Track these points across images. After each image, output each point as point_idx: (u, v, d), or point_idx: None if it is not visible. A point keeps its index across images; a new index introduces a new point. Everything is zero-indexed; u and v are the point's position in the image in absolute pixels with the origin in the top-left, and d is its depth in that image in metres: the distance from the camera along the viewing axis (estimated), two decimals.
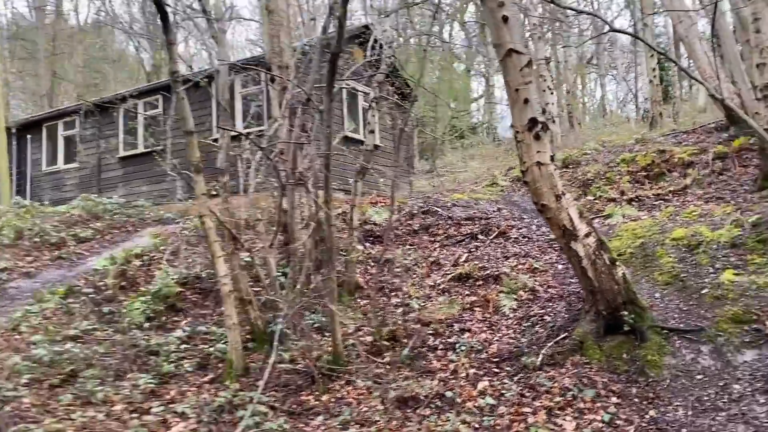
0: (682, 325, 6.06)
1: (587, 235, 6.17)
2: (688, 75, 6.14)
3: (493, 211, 10.39)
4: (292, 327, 7.05)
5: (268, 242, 7.82)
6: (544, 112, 5.91)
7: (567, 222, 6.16)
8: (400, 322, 7.13)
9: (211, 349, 6.94)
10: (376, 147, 15.72)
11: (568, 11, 26.28)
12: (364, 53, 15.78)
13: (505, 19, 6.01)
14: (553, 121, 24.37)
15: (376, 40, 15.77)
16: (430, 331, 6.91)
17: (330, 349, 6.56)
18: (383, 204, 11.12)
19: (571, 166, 11.80)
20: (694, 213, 8.35)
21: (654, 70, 24.02)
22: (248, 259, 8.08)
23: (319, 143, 12.47)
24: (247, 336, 7.17)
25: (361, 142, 15.49)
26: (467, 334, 6.73)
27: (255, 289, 7.55)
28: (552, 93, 24.89)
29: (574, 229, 6.16)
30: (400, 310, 7.65)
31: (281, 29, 9.44)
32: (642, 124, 24.71)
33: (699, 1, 23.73)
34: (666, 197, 9.44)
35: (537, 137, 6.09)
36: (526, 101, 6.07)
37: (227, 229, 7.00)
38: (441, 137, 32.58)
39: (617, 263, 6.17)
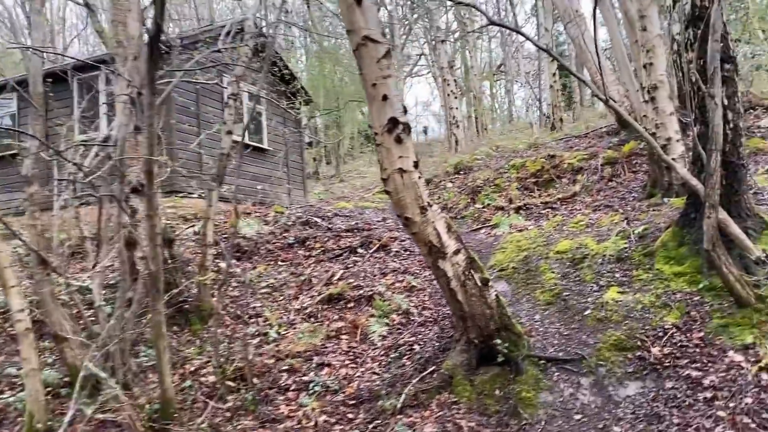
0: (561, 354, 5.36)
1: (456, 252, 5.38)
2: (571, 73, 5.49)
3: (377, 222, 9.55)
4: (121, 366, 5.88)
5: (107, 262, 6.61)
6: (406, 111, 5.04)
7: (434, 237, 5.35)
8: (251, 356, 6.09)
9: (11, 398, 5.66)
10: (262, 150, 14.65)
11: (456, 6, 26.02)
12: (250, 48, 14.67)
13: (359, 0, 5.13)
14: (457, 126, 24.03)
15: (260, 31, 14.69)
16: (285, 367, 5.92)
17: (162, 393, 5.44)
18: (258, 214, 10.04)
19: (462, 172, 11.15)
20: (581, 223, 7.79)
21: (554, 75, 24.11)
22: (81, 284, 6.82)
23: (171, 145, 11.23)
24: (65, 380, 5.93)
25: (259, 149, 14.36)
26: (326, 370, 5.79)
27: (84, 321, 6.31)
28: (456, 98, 24.62)
29: (442, 246, 5.35)
30: (257, 340, 6.62)
31: (128, 15, 8.21)
32: (544, 130, 24.82)
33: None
34: (554, 205, 8.89)
35: (398, 140, 5.24)
36: (385, 98, 5.21)
37: (33, 251, 5.73)
38: (345, 141, 31.77)
39: (489, 284, 5.41)
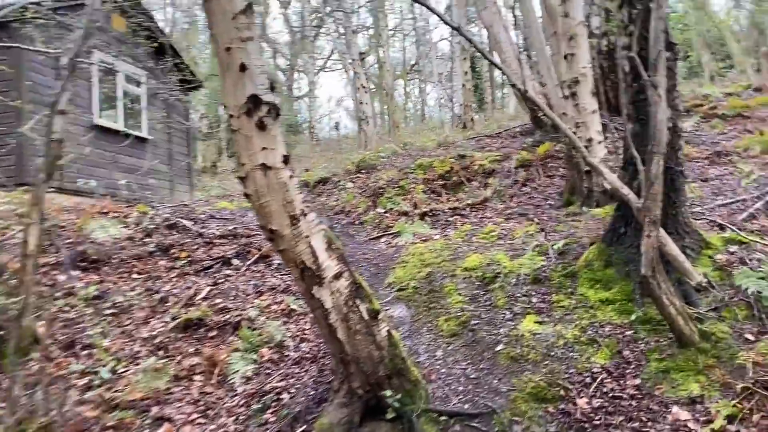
0: (467, 406, 4.23)
1: (338, 277, 4.14)
2: (485, 56, 4.40)
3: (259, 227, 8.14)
4: None
5: None
6: (273, 88, 3.75)
7: (308, 257, 4.09)
8: (68, 407, 4.59)
9: None
10: (141, 140, 12.86)
11: None
12: (126, 20, 12.85)
13: None
14: (367, 122, 22.91)
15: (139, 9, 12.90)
16: (111, 423, 4.46)
17: None
18: (117, 214, 8.38)
19: (364, 171, 9.93)
20: (492, 233, 6.76)
21: (466, 74, 23.46)
22: None
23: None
24: None
25: (137, 138, 12.55)
26: (164, 429, 4.38)
27: None
28: (366, 92, 23.46)
29: (319, 268, 4.10)
30: (84, 380, 5.10)
31: None
32: (457, 130, 24.13)
33: None
34: (463, 212, 7.84)
35: (261, 126, 3.94)
36: (244, 68, 3.90)
37: None
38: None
39: (380, 317, 4.20)
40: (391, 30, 37.59)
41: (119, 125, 12.33)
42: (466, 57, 23.48)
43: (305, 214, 4.15)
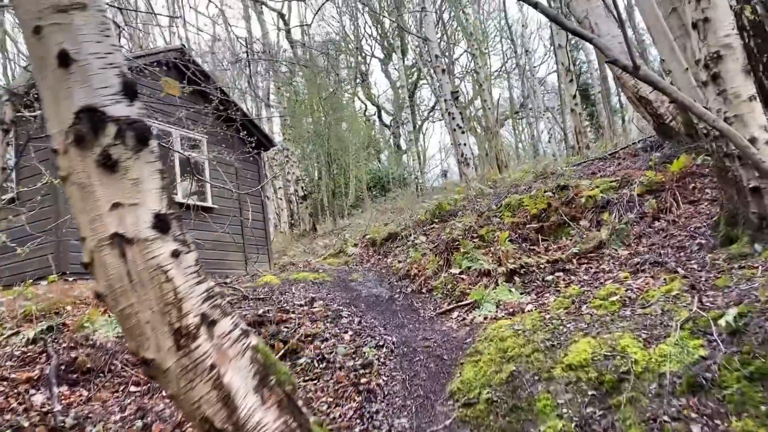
0: None
1: None
2: (576, 33, 2.36)
3: (303, 305, 6.28)
4: None
5: None
6: (133, 94, 1.89)
7: (215, 410, 2.08)
8: None
9: None
10: (204, 209, 11.64)
11: None
12: (180, 84, 11.86)
13: None
14: (467, 164, 20.92)
15: (196, 68, 11.88)
16: None
17: None
18: None
19: (439, 220, 7.85)
20: (613, 299, 4.41)
21: (574, 97, 20.95)
22: None
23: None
24: None
25: (201, 208, 11.39)
26: None
27: None
28: (463, 132, 21.53)
29: (239, 429, 2.09)
30: None
31: None
32: (578, 158, 21.46)
33: None
34: (568, 265, 5.51)
35: (107, 164, 2.06)
36: (67, 61, 2.07)
37: None
38: (350, 192, 28.86)
39: None
40: (495, 71, 35.78)
41: (177, 196, 11.18)
42: (572, 79, 21.02)
43: (213, 323, 2.20)
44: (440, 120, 38.17)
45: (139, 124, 2.14)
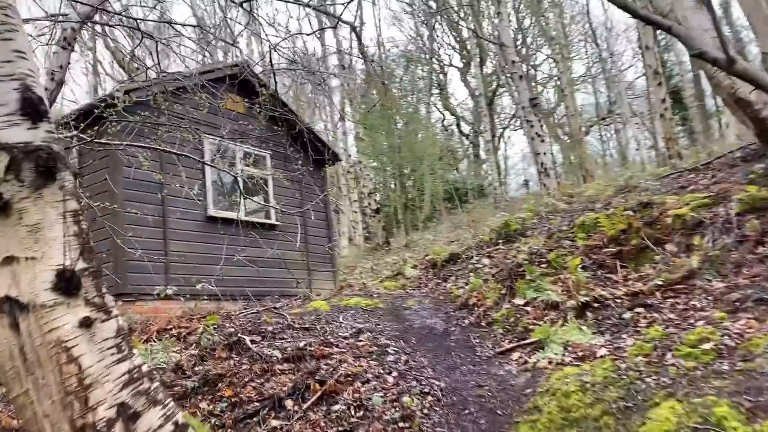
0: None
1: None
2: (657, 24, 1.70)
3: (348, 337, 5.73)
4: None
5: None
6: (35, 104, 1.44)
7: None
8: None
9: None
10: (266, 227, 11.34)
11: None
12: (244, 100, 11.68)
13: None
14: (547, 174, 19.85)
15: (260, 82, 11.66)
16: None
17: None
18: (183, 329, 6.52)
19: (505, 241, 7.10)
20: (704, 348, 3.58)
21: (664, 101, 19.52)
22: None
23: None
24: None
25: (262, 225, 11.14)
26: None
27: None
28: (543, 141, 20.49)
29: None
30: None
31: None
32: (666, 169, 19.94)
33: None
34: (650, 299, 4.65)
35: None
36: None
37: None
38: (425, 205, 28.27)
39: None
40: (579, 77, 34.25)
41: (239, 214, 10.94)
42: (660, 82, 19.59)
43: (132, 416, 1.65)
44: (521, 128, 36.95)
45: (42, 153, 1.64)
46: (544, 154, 20.51)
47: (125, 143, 6.58)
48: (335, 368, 5.05)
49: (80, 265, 1.67)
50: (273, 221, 11.51)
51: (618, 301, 4.79)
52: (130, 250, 8.99)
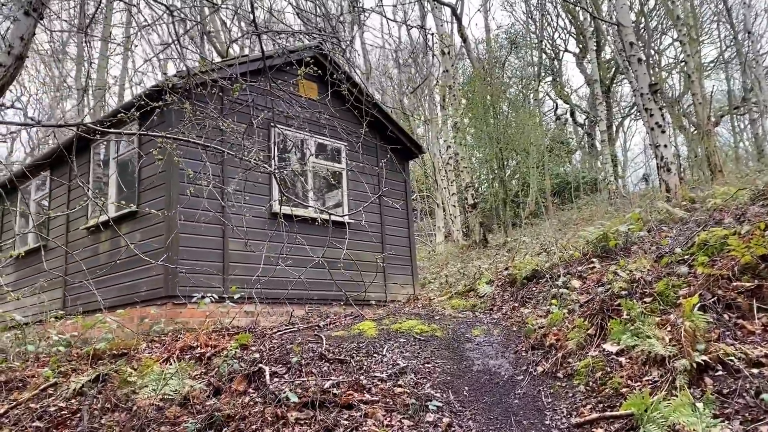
0: None
1: None
2: None
3: (386, 379, 4.56)
4: None
5: None
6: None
7: None
8: None
9: None
10: (338, 224, 10.36)
11: None
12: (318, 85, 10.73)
13: None
14: (668, 169, 17.59)
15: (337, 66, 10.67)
16: None
17: None
18: (207, 350, 5.62)
19: (602, 258, 5.61)
20: None
21: None
22: None
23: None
24: None
25: (335, 223, 10.21)
26: None
27: None
28: (664, 131, 18.20)
29: None
30: None
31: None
32: None
33: None
34: None
35: None
36: None
37: None
38: (530, 200, 26.34)
39: None
40: (710, 62, 30.79)
41: (308, 211, 10.04)
42: None
43: None
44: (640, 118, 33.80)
45: None
46: (665, 146, 18.15)
47: (162, 134, 5.76)
48: (358, 426, 3.90)
49: None
50: (346, 219, 10.51)
51: (754, 365, 3.29)
52: (184, 248, 8.34)
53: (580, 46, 31.07)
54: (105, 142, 9.79)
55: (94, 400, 5.04)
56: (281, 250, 9.31)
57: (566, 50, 32.54)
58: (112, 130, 5.57)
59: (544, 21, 30.84)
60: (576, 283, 5.46)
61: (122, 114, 6.46)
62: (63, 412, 4.91)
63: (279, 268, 9.24)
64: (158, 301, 8.16)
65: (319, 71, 7.04)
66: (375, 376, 4.58)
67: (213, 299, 7.18)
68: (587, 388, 3.88)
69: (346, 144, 10.83)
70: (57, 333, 6.15)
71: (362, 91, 11.09)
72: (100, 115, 21.21)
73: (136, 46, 38.06)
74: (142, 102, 6.15)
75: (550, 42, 32.12)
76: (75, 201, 10.23)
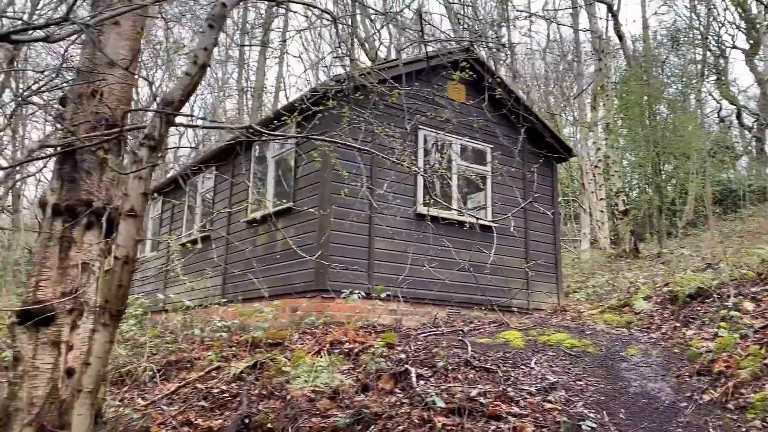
0: None
1: None
2: None
3: (534, 393, 4.44)
4: None
5: None
6: None
7: None
8: None
9: None
10: (482, 228, 10.23)
11: None
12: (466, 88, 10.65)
13: None
14: None
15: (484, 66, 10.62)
16: None
17: None
18: (355, 345, 5.80)
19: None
20: None
21: None
22: None
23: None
24: None
25: (479, 226, 10.14)
26: None
27: None
28: None
29: None
30: None
31: None
32: None
33: None
34: None
35: None
36: None
37: None
38: (689, 207, 24.46)
39: None
40: None
41: (452, 213, 10.02)
42: None
43: None
44: None
45: None
46: None
47: (323, 138, 6.04)
48: None
49: None
50: (489, 222, 10.36)
51: None
52: (334, 245, 8.66)
53: (751, 42, 28.30)
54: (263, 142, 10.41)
55: (252, 386, 5.39)
56: (427, 251, 9.41)
57: (734, 47, 29.78)
58: (277, 133, 5.91)
59: (710, 15, 28.46)
60: (749, 305, 4.97)
61: (285, 117, 6.84)
62: (224, 395, 5.30)
63: (422, 269, 9.35)
64: (308, 294, 8.55)
65: (474, 75, 7.01)
66: (523, 389, 4.47)
67: (361, 296, 7.41)
68: (765, 424, 3.52)
69: (492, 146, 10.69)
70: (219, 319, 6.66)
71: (517, 98, 10.87)
72: (259, 116, 22.69)
73: (297, 55, 40.16)
74: (303, 106, 6.49)
75: (716, 38, 29.58)
76: (236, 195, 10.99)
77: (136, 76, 5.20)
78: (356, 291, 7.75)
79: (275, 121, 7.92)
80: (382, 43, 23.10)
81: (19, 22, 4.22)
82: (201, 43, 4.01)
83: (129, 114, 5.22)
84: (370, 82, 6.28)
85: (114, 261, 3.71)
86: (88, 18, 4.09)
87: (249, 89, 25.84)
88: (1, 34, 2.96)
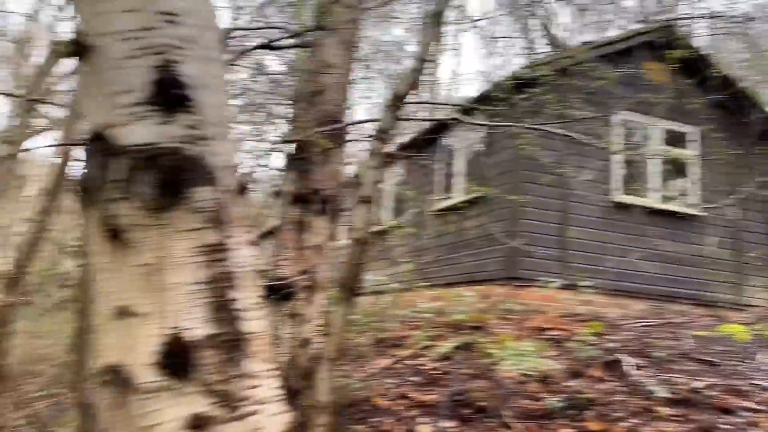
0: None
1: None
2: None
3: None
4: None
5: None
6: None
7: None
8: None
9: None
10: (686, 217, 9.59)
11: None
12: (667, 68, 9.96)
13: None
14: None
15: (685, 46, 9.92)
16: None
17: None
18: (558, 334, 5.78)
19: None
20: None
21: None
22: None
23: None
24: None
25: (676, 215, 9.60)
26: None
27: None
28: None
29: None
30: None
31: None
32: None
33: None
34: None
35: (114, 232, 1.16)
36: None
37: None
38: None
39: None
40: None
41: (652, 201, 9.51)
42: None
43: None
44: None
45: (166, 160, 1.12)
46: None
47: (525, 125, 6.12)
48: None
49: (204, 330, 1.10)
50: (694, 211, 9.68)
51: None
52: (526, 233, 8.63)
53: None
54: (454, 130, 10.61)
55: (459, 365, 5.61)
56: (623, 241, 9.03)
57: None
58: (478, 121, 6.06)
59: None
60: None
61: (496, 100, 6.88)
62: (434, 372, 5.57)
63: (619, 260, 9.00)
64: (499, 281, 8.62)
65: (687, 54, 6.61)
66: (755, 384, 4.19)
67: (561, 284, 7.34)
68: None
69: (696, 129, 9.96)
70: (423, 302, 6.99)
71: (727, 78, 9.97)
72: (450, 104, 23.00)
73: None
74: (503, 94, 6.57)
75: None
76: (427, 186, 11.28)
77: (350, 76, 5.62)
78: (548, 281, 7.70)
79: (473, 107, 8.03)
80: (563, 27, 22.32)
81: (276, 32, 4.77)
82: (425, 37, 4.26)
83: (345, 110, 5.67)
84: (572, 64, 6.19)
85: (351, 242, 4.08)
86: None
87: (436, 82, 26.38)
88: (265, 44, 3.44)
